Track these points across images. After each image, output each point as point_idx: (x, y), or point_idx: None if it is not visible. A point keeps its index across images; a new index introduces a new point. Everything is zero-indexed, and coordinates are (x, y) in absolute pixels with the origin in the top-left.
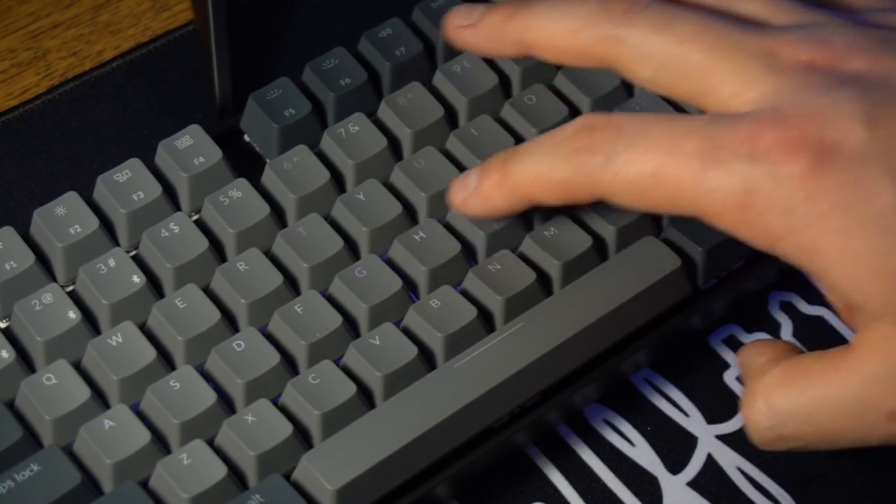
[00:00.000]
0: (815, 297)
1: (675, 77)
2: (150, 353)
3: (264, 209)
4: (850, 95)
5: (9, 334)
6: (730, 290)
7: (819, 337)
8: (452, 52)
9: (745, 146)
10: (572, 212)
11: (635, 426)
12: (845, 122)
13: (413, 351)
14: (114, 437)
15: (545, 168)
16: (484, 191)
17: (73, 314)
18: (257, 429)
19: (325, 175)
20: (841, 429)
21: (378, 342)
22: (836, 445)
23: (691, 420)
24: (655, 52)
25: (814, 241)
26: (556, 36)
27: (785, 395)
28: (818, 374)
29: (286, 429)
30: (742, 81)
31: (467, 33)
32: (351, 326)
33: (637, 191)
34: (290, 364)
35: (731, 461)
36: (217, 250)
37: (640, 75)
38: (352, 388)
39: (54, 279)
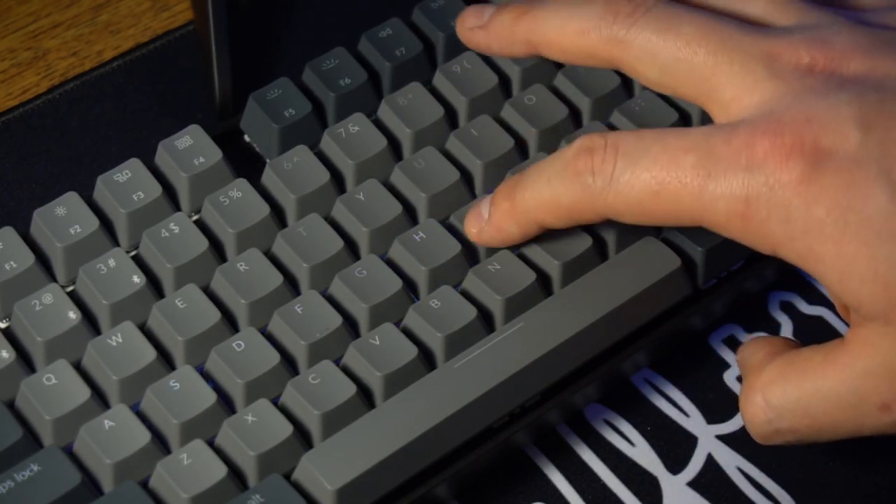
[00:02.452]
0: (815, 297)
1: (678, 79)
2: (150, 353)
3: (264, 209)
4: (846, 99)
5: (9, 334)
6: (730, 290)
7: (819, 337)
8: (452, 52)
9: (741, 156)
10: None
11: (635, 426)
12: (840, 127)
13: (413, 351)
14: (114, 437)
15: (550, 194)
16: (495, 221)
17: (73, 314)
18: (257, 429)
19: (325, 175)
20: (836, 421)
21: (378, 342)
22: (831, 437)
23: (691, 420)
24: (659, 54)
25: (810, 246)
26: (563, 37)
27: (782, 389)
28: (814, 368)
29: (286, 429)
30: (742, 86)
31: (479, 34)
32: (351, 326)
33: (641, 209)
34: (290, 364)
35: (731, 461)
36: (217, 250)
37: (644, 76)
38: (352, 388)
39: (54, 279)
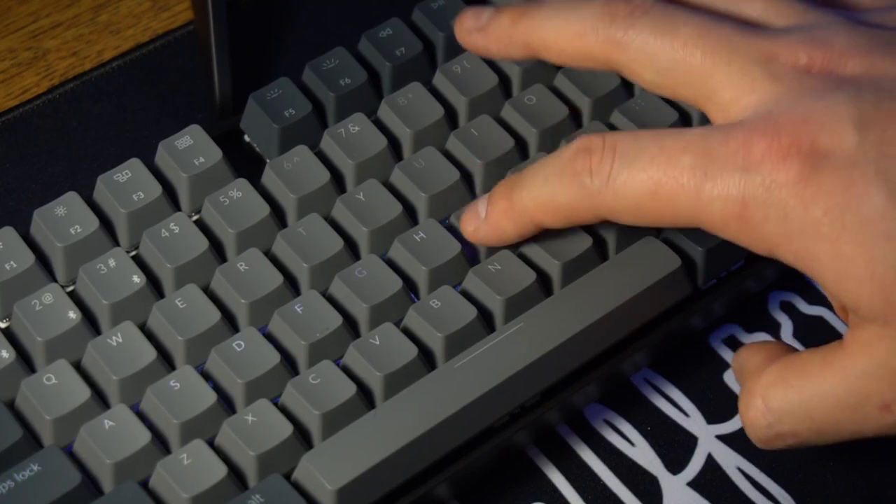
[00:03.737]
0: (815, 297)
1: (676, 81)
2: (150, 353)
3: (264, 209)
4: (844, 99)
5: (9, 334)
6: (730, 290)
7: (819, 337)
8: (452, 52)
9: (738, 157)
10: None
11: (635, 426)
12: (837, 127)
13: (413, 351)
14: (114, 437)
15: (548, 193)
16: (492, 220)
17: (73, 314)
18: (257, 429)
19: (325, 175)
20: (837, 422)
21: (378, 342)
22: (832, 440)
23: (691, 420)
24: (657, 56)
25: (807, 247)
26: (561, 40)
27: (782, 392)
28: (813, 370)
29: (286, 429)
30: (740, 87)
31: (477, 37)
32: (351, 326)
33: (638, 209)
34: (290, 364)
35: (731, 461)
36: (217, 250)
37: (642, 78)
38: (352, 388)
39: (54, 279)
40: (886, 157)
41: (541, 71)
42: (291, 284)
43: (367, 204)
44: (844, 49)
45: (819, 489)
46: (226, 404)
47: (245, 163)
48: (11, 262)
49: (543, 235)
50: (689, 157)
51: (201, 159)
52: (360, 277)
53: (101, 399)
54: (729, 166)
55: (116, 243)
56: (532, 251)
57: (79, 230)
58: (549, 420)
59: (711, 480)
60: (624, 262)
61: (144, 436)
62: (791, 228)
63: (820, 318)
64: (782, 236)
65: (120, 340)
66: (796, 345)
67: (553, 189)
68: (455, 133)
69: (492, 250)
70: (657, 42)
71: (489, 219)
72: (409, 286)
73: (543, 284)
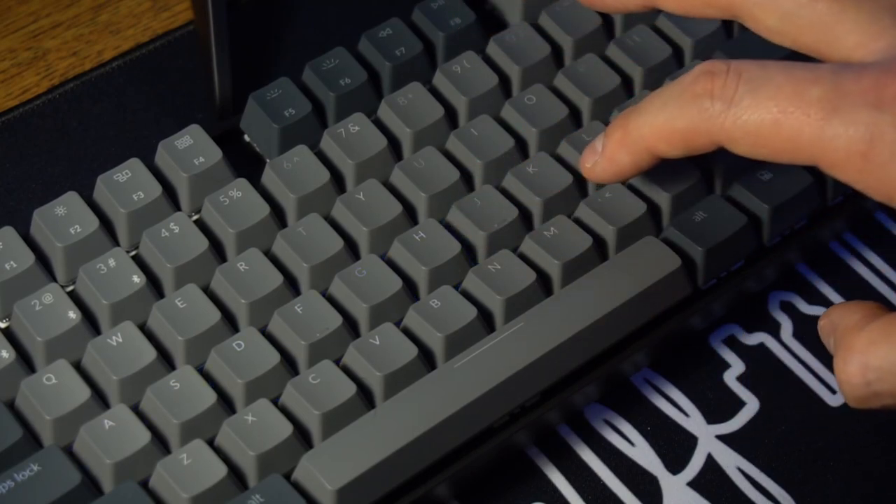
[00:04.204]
0: (815, 297)
1: (799, 26)
2: (150, 353)
3: (264, 209)
4: None
5: (9, 334)
6: (730, 290)
7: (819, 337)
8: (452, 52)
9: (870, 95)
10: (572, 212)
11: (635, 426)
12: None
13: (413, 351)
14: (114, 437)
15: (665, 117)
16: (608, 151)
17: (73, 314)
18: (257, 429)
19: (325, 175)
20: None
21: (378, 342)
22: None
23: (691, 420)
24: (781, 1)
25: None
26: None
27: (885, 350)
28: None
29: (286, 429)
30: (869, 33)
31: None
32: (351, 326)
33: (758, 138)
34: (290, 364)
35: (731, 461)
36: (217, 250)
37: (764, 24)
38: (352, 388)
39: (54, 279)
40: None
41: (541, 71)
42: (291, 284)
43: (367, 204)
44: None
45: (819, 489)
46: (226, 404)
47: (245, 163)
48: (11, 262)
49: (543, 235)
50: (818, 89)
51: (201, 159)
52: (360, 277)
53: (101, 399)
54: (860, 102)
55: (116, 243)
56: (531, 251)
57: (79, 230)
58: (549, 420)
59: (711, 480)
60: (624, 262)
61: (144, 436)
62: None
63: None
64: None
65: (120, 340)
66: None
67: (670, 113)
68: (455, 133)
69: (491, 250)
70: None
71: (605, 151)
72: (409, 286)
73: (543, 284)
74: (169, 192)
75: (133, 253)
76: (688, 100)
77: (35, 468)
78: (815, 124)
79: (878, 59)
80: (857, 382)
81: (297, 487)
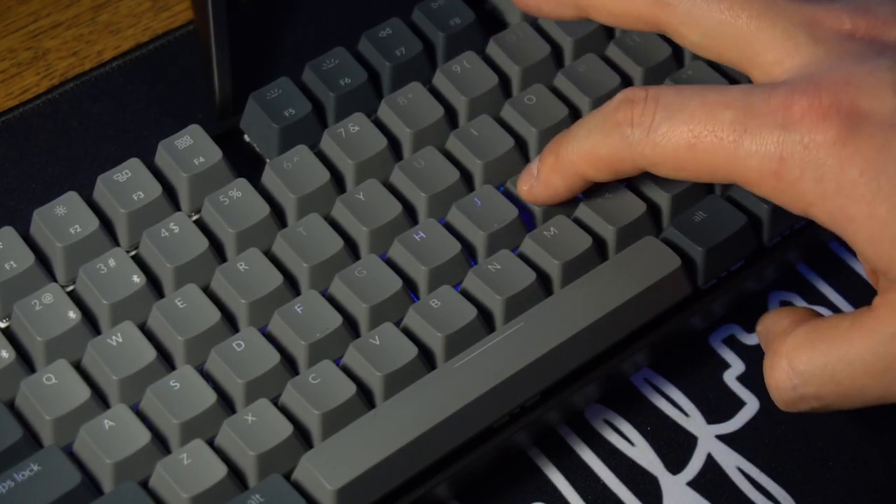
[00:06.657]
0: (816, 297)
1: (722, 43)
2: (150, 353)
3: (264, 209)
4: (886, 65)
5: (9, 334)
6: (730, 290)
7: None
8: (452, 52)
9: (778, 115)
10: (572, 212)
11: (635, 426)
12: (879, 91)
13: (413, 351)
14: (114, 437)
15: (591, 145)
16: (543, 176)
17: (73, 314)
18: (257, 429)
19: (325, 175)
20: (862, 387)
21: (378, 342)
22: (856, 404)
23: (691, 420)
24: (703, 18)
25: (842, 207)
26: (609, 1)
27: (808, 354)
28: (840, 334)
29: (286, 429)
30: (784, 50)
31: None
32: (351, 326)
33: (676, 161)
34: (290, 364)
35: (730, 461)
36: (217, 250)
37: (689, 40)
38: (352, 388)
39: (54, 279)
40: None
41: (540, 71)
42: (291, 284)
43: (367, 204)
44: (889, 17)
45: (819, 489)
46: (226, 404)
47: (245, 163)
48: (11, 262)
49: (543, 235)
50: (730, 112)
51: (201, 159)
52: (359, 277)
53: (101, 399)
54: (769, 123)
55: (116, 243)
56: (531, 251)
57: (79, 230)
58: (549, 420)
59: (711, 480)
60: (624, 262)
61: (144, 436)
62: (827, 188)
63: None
64: (817, 195)
65: (120, 340)
66: (815, 309)
67: (595, 140)
68: (455, 133)
69: (491, 250)
70: (704, 4)
71: (540, 176)
72: (409, 286)
73: (543, 284)
74: (169, 192)
75: (133, 253)
76: (610, 128)
77: (35, 468)
78: (729, 146)
79: (790, 77)
80: (783, 387)
81: (297, 487)
